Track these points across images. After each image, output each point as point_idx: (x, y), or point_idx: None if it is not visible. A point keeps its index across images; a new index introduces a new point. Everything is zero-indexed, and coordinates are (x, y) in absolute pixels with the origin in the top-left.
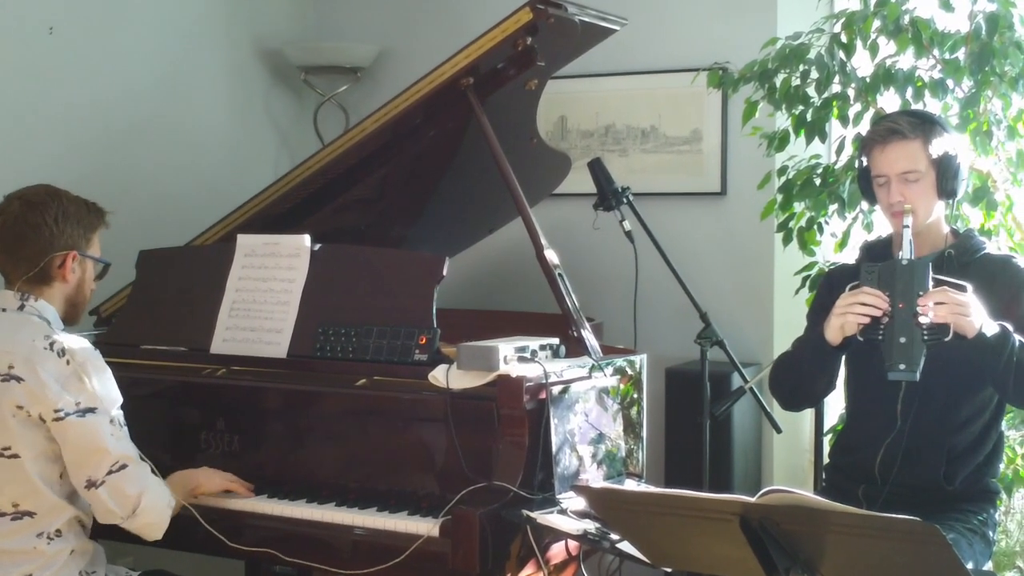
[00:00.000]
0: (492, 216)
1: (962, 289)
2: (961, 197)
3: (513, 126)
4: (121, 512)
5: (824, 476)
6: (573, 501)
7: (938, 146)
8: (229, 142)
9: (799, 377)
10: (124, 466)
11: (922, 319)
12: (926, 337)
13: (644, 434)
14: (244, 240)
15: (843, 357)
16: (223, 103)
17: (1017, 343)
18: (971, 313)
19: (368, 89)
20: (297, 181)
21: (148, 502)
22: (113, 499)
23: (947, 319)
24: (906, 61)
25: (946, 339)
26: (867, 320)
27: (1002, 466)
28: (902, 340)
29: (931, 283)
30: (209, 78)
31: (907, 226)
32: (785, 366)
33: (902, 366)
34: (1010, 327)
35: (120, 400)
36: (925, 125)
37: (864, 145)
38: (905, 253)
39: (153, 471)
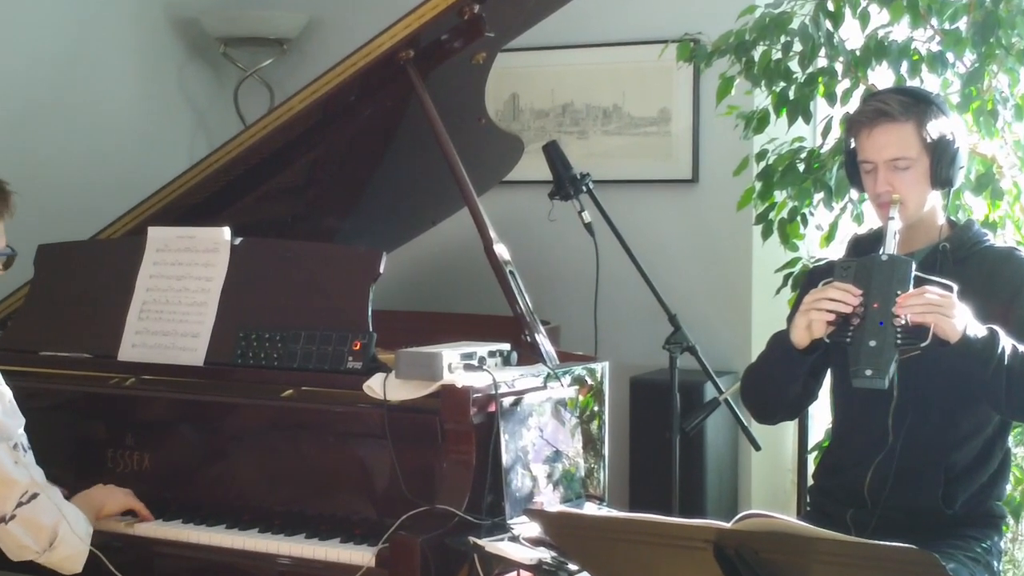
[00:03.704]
0: (435, 206)
1: (947, 290)
2: (960, 186)
3: (458, 105)
4: (37, 546)
5: (808, 499)
6: (526, 527)
7: (933, 129)
8: (139, 123)
9: (767, 386)
10: (35, 495)
11: (897, 320)
12: (900, 341)
13: (606, 451)
14: (155, 233)
15: (822, 364)
16: (131, 79)
17: (1008, 347)
18: (954, 314)
19: (295, 63)
20: (216, 167)
21: (65, 532)
22: (27, 533)
23: (926, 319)
24: (901, 32)
25: (923, 344)
26: (833, 318)
27: (1008, 487)
28: (872, 343)
29: (913, 282)
30: (115, 51)
31: (892, 218)
32: (754, 374)
33: (868, 372)
34: (999, 330)
35: (23, 421)
36: (919, 105)
37: (850, 127)
38: (887, 248)
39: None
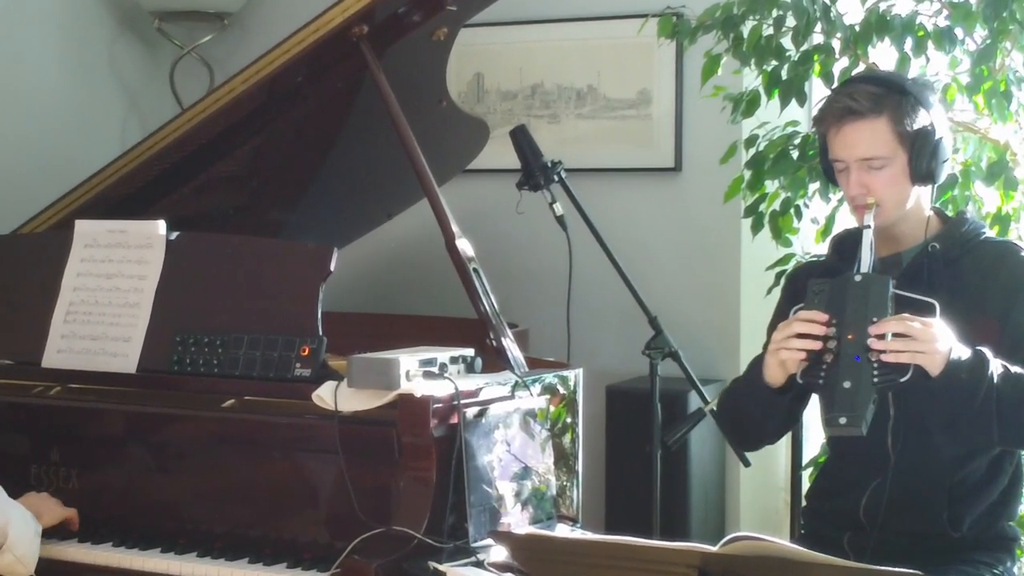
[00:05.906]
0: (391, 198)
1: (929, 311)
2: (971, 175)
3: (417, 86)
4: None
5: (802, 520)
6: (492, 550)
7: (909, 122)
8: (64, 106)
9: (743, 421)
10: None
11: (873, 354)
12: (876, 380)
13: (580, 468)
14: (83, 227)
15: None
16: (56, 57)
17: (998, 370)
18: (935, 348)
19: (237, 40)
20: (150, 154)
21: (16, 533)
22: None
23: (900, 359)
24: (905, 5)
25: (903, 380)
26: (804, 356)
27: (1022, 508)
28: (846, 384)
29: (891, 305)
30: (37, 25)
31: (868, 226)
32: (729, 406)
33: (842, 420)
34: (987, 352)
35: None
36: (891, 96)
37: (816, 123)
38: (862, 264)
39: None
